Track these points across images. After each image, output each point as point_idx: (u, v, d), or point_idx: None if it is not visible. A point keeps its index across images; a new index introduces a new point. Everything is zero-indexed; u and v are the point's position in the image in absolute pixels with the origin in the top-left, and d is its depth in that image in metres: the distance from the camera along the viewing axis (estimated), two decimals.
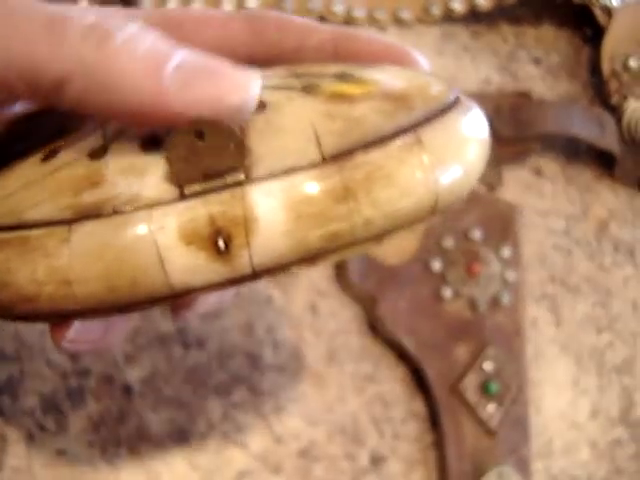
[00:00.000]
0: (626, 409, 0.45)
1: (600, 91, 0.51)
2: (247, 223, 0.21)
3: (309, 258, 0.22)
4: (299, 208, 0.21)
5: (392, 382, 0.43)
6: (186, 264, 0.21)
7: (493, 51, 0.51)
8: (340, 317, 0.44)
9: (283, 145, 0.22)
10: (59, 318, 0.23)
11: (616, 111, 0.50)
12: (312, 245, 0.21)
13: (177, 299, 0.22)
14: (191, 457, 0.40)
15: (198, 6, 0.27)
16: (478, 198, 0.46)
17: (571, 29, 0.53)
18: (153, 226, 0.21)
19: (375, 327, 0.43)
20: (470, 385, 0.42)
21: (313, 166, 0.21)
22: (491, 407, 0.42)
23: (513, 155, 0.49)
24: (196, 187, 0.21)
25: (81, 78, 0.21)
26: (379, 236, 0.23)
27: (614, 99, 0.50)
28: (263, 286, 0.43)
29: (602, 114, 0.49)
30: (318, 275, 0.44)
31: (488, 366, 0.43)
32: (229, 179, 0.21)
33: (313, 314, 0.43)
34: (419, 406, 0.43)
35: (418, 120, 0.23)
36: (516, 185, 0.49)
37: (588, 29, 0.53)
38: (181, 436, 0.40)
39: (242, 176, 0.21)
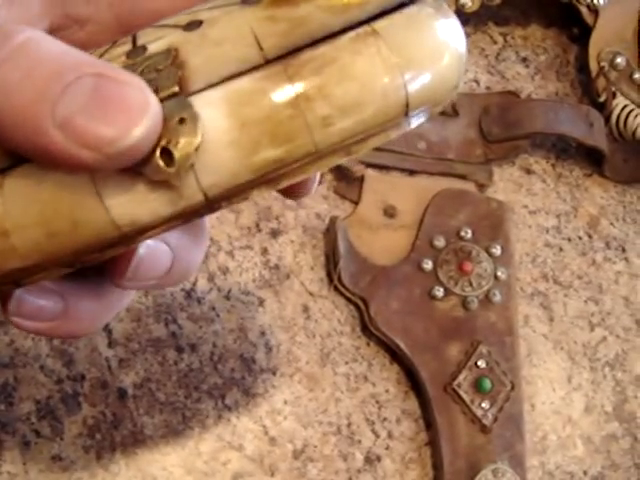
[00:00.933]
0: (620, 404, 0.45)
1: (588, 89, 0.52)
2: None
3: (267, 175, 0.20)
4: (243, 113, 0.19)
5: (386, 382, 0.43)
6: (126, 193, 0.19)
7: (481, 52, 0.52)
8: (333, 318, 0.44)
9: (221, 54, 0.20)
10: (5, 281, 0.21)
11: (604, 108, 0.50)
12: (266, 157, 0.19)
13: (129, 242, 0.20)
14: (186, 460, 0.40)
15: None
16: (469, 197, 0.47)
17: (558, 28, 0.54)
18: None
19: (368, 328, 0.44)
20: (463, 383, 0.42)
21: (255, 69, 0.19)
22: (485, 405, 0.42)
23: (503, 154, 0.49)
24: None
25: None
26: (346, 143, 0.20)
27: (602, 97, 0.50)
28: (255, 289, 0.43)
29: (590, 112, 0.49)
30: (310, 277, 0.44)
31: (481, 364, 0.43)
32: (161, 95, 0.19)
33: (306, 316, 0.44)
34: (413, 405, 0.43)
35: (372, 13, 0.20)
36: (506, 184, 0.49)
37: (575, 28, 0.53)
38: (176, 439, 0.40)
39: (176, 88, 0.19)
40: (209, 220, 0.28)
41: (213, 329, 0.42)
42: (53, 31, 0.24)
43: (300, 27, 0.20)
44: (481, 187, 0.48)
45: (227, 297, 0.43)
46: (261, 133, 0.19)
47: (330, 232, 0.45)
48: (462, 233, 0.45)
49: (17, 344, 0.40)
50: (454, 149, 0.48)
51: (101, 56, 0.21)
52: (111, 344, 0.41)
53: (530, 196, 0.49)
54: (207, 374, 0.41)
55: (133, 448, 0.40)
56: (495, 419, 0.42)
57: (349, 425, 0.42)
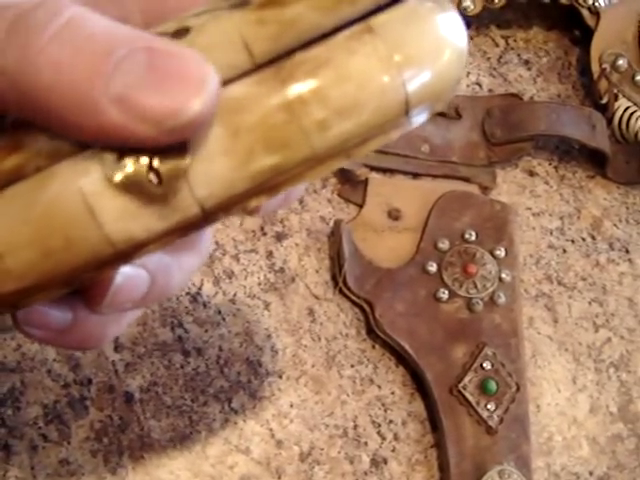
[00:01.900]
0: (625, 404, 0.45)
1: (590, 91, 0.52)
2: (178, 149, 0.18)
3: (265, 183, 0.19)
4: (235, 121, 0.18)
5: (391, 384, 0.43)
6: (119, 209, 0.18)
7: (483, 54, 0.52)
8: (338, 321, 0.44)
9: (211, 62, 0.19)
10: (2, 304, 0.21)
11: (606, 110, 0.51)
12: (261, 164, 0.19)
13: (126, 259, 0.19)
14: (193, 464, 0.40)
15: None
16: (472, 199, 0.47)
17: (560, 31, 0.54)
18: (76, 173, 0.18)
19: (373, 330, 0.44)
20: (469, 385, 0.43)
21: (246, 74, 0.19)
22: (491, 406, 0.42)
23: (506, 156, 0.49)
24: None
25: (6, 88, 0.18)
26: (345, 147, 0.19)
27: (604, 99, 0.50)
28: (260, 292, 0.44)
29: (592, 114, 0.49)
30: (315, 280, 0.44)
31: (486, 366, 0.43)
32: None
33: (311, 319, 0.44)
34: (419, 407, 0.43)
35: (366, 10, 0.19)
36: (510, 186, 0.49)
37: (577, 30, 0.54)
38: (183, 443, 0.40)
39: None
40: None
41: (219, 333, 0.42)
42: None
43: (291, 28, 0.19)
44: (484, 189, 0.49)
45: (233, 301, 0.43)
46: (255, 140, 0.18)
47: (335, 235, 0.45)
48: (466, 235, 0.45)
49: (24, 349, 0.40)
50: (457, 152, 0.49)
51: None
52: (117, 348, 0.41)
53: (533, 198, 0.49)
54: (213, 378, 0.41)
55: (140, 452, 0.40)
56: (501, 420, 0.42)
57: (355, 428, 0.42)
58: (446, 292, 0.44)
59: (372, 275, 0.44)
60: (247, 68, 0.19)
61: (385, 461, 0.42)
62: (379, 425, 0.43)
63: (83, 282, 0.20)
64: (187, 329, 0.42)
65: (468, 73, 0.51)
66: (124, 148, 0.18)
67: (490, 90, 0.51)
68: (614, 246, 0.49)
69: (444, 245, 0.45)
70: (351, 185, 0.47)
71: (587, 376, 0.46)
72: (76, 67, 0.17)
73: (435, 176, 0.48)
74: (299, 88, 0.18)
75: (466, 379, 0.43)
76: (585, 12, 0.52)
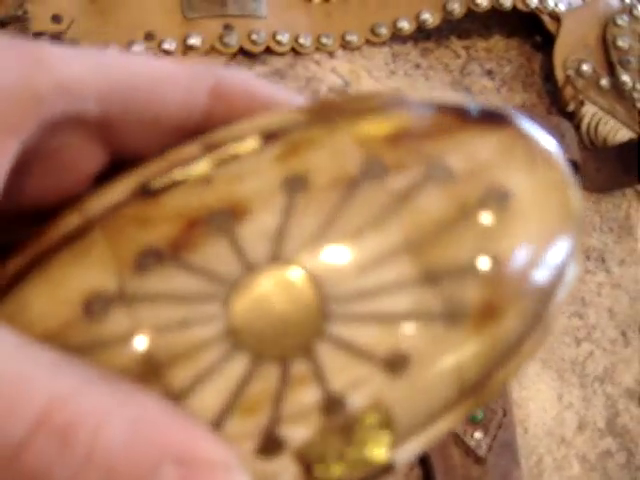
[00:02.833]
0: (612, 418, 0.45)
1: (556, 98, 0.51)
2: None
3: None
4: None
5: None
6: None
7: (445, 67, 0.51)
8: None
9: (426, 401, 0.20)
10: None
11: (574, 117, 0.50)
12: None
13: None
14: None
15: (154, 61, 0.22)
16: None
17: (521, 38, 0.53)
18: None
19: None
20: None
21: (451, 405, 0.20)
22: (478, 435, 0.41)
23: None
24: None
25: None
26: None
27: (571, 106, 0.50)
28: None
29: (561, 122, 0.48)
30: None
31: None
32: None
33: None
34: None
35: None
36: None
37: (538, 36, 0.53)
38: None
39: (385, 457, 0.20)
40: None
41: None
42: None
43: (499, 349, 0.20)
44: None
45: None
46: None
47: None
48: None
49: None
50: None
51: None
52: None
53: None
54: None
55: None
56: (489, 448, 0.41)
57: None
58: None
59: None
60: (453, 399, 0.20)
61: None
62: None
63: None
64: None
65: (431, 87, 0.50)
66: None
67: None
68: (590, 256, 0.48)
69: None
70: None
71: (572, 392, 0.45)
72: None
73: None
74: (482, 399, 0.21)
75: None
76: (546, 18, 0.51)
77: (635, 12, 0.51)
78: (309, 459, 0.19)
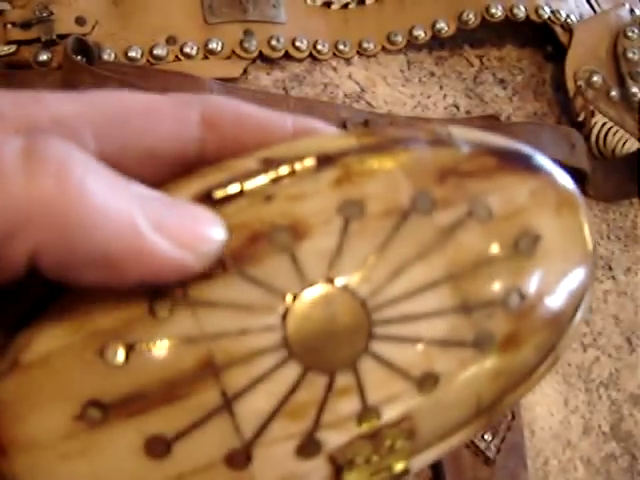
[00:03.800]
0: (617, 423, 0.46)
1: (566, 108, 0.52)
2: None
3: None
4: None
5: None
6: None
7: (458, 75, 0.52)
8: None
9: (446, 418, 0.22)
10: None
11: (583, 127, 0.51)
12: None
13: None
14: None
15: (143, 95, 0.23)
16: None
17: (533, 48, 0.54)
18: None
19: None
20: None
21: (466, 423, 0.22)
22: (487, 436, 0.42)
23: None
24: None
25: (39, 223, 0.17)
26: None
27: (581, 116, 0.51)
28: None
29: (571, 132, 0.49)
30: None
31: None
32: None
33: None
34: None
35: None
36: None
37: (550, 47, 0.54)
38: None
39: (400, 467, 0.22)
40: None
41: None
42: None
43: (514, 375, 0.23)
44: None
45: None
46: None
47: None
48: None
49: None
50: None
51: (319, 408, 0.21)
52: None
53: None
54: None
55: None
56: (498, 450, 0.42)
57: None
58: None
59: None
60: (469, 418, 0.22)
61: None
62: None
63: None
64: None
65: (445, 95, 0.51)
66: None
67: (467, 112, 0.51)
68: (597, 264, 0.49)
69: None
70: None
71: (578, 397, 0.46)
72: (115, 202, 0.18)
73: None
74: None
75: None
76: (558, 29, 0.52)
77: None
78: (340, 462, 0.21)
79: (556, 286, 0.23)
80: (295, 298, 0.21)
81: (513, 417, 0.43)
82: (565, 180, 0.25)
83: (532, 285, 0.23)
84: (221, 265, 0.20)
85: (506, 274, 0.22)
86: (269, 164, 0.22)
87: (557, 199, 0.24)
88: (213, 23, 0.47)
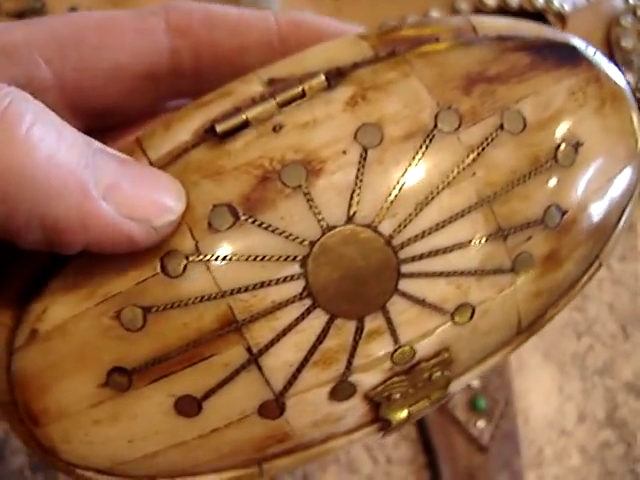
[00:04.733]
0: (611, 410, 0.46)
1: None
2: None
3: None
4: None
5: None
6: None
7: None
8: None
9: (486, 343, 0.22)
10: None
11: None
12: None
13: None
14: None
15: (98, 12, 0.21)
16: None
17: None
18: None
19: None
20: (459, 403, 0.42)
21: (503, 345, 0.22)
22: (481, 423, 0.42)
23: None
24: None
25: None
26: None
27: None
28: None
29: None
30: None
31: (474, 382, 0.43)
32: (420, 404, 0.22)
33: None
34: (410, 428, 0.43)
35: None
36: None
37: None
38: None
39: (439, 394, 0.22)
40: None
41: None
42: None
43: (556, 291, 0.22)
44: None
45: None
46: None
47: None
48: None
49: None
50: None
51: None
52: None
53: None
54: None
55: None
56: (492, 437, 0.42)
57: (347, 452, 0.42)
58: None
59: None
60: (510, 336, 0.22)
61: None
62: (371, 448, 0.42)
63: None
64: None
65: None
66: None
67: None
68: None
69: None
70: None
71: (573, 385, 0.46)
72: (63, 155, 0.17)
73: None
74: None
75: (455, 398, 0.43)
76: (551, 18, 0.52)
77: (639, 13, 0.52)
78: (377, 400, 0.21)
79: (600, 194, 0.21)
80: (314, 243, 0.19)
81: (507, 404, 0.43)
82: (611, 71, 0.22)
83: (573, 198, 0.20)
84: (231, 215, 0.19)
85: (543, 192, 0.20)
86: (274, 85, 0.20)
87: (600, 95, 0.21)
88: None
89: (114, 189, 0.17)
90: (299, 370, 0.20)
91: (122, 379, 0.19)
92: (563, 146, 0.20)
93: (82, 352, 0.19)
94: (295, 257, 0.19)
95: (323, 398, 0.20)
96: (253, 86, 0.20)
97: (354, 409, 0.21)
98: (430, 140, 0.20)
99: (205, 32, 0.21)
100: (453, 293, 0.20)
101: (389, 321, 0.20)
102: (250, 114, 0.20)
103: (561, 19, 0.52)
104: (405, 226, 0.19)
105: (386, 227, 0.19)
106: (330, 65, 0.20)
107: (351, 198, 0.19)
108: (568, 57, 0.21)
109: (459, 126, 0.20)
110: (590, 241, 0.21)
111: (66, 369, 0.20)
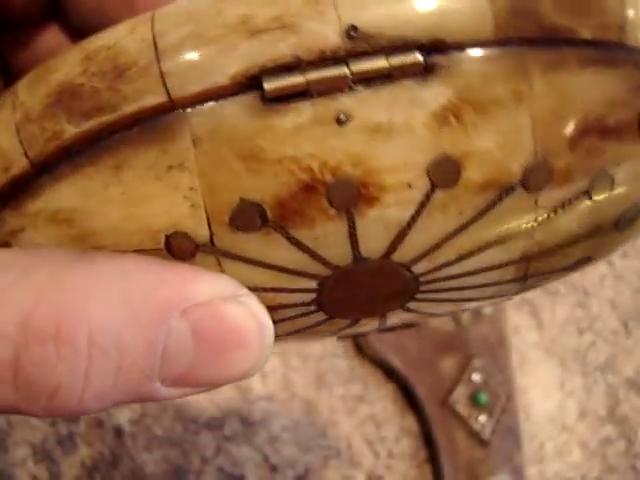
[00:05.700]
0: (613, 407, 0.46)
1: None
2: None
3: None
4: None
5: (383, 401, 0.43)
6: None
7: None
8: (326, 340, 0.44)
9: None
10: None
11: None
12: None
13: None
14: None
15: None
16: None
17: None
18: None
19: (361, 348, 0.43)
20: (460, 398, 0.43)
21: None
22: (482, 418, 0.42)
23: None
24: None
25: None
26: None
27: None
28: None
29: None
30: None
31: (476, 377, 0.43)
32: None
33: None
34: (411, 423, 0.43)
35: None
36: None
37: None
38: (177, 474, 0.40)
39: None
40: None
41: None
42: None
43: None
44: None
45: None
46: None
47: None
48: None
49: None
50: None
51: None
52: None
53: None
54: (203, 406, 0.41)
55: None
56: (493, 432, 0.42)
57: (349, 447, 0.42)
58: None
59: None
60: None
61: (380, 478, 0.42)
62: (372, 443, 0.42)
63: None
64: None
65: None
66: None
67: None
68: None
69: None
70: None
71: (574, 381, 0.46)
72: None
73: None
74: None
75: (456, 392, 0.43)
76: None
77: None
78: None
79: None
80: (340, 268, 0.17)
81: (508, 399, 0.43)
82: None
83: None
84: (260, 218, 0.15)
85: (585, 249, 0.18)
86: (355, 41, 0.14)
87: None
88: None
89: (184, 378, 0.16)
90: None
91: None
92: (626, 216, 0.17)
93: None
94: (315, 276, 0.17)
95: None
96: (329, 30, 0.14)
97: None
98: (507, 196, 0.16)
99: None
100: (456, 309, 0.20)
101: (383, 320, 0.20)
102: (313, 77, 0.14)
103: None
104: (439, 270, 0.17)
105: (420, 268, 0.17)
106: (432, 33, 0.14)
107: (396, 237, 0.16)
108: None
109: (544, 187, 0.16)
110: None
111: None
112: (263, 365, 0.17)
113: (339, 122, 0.15)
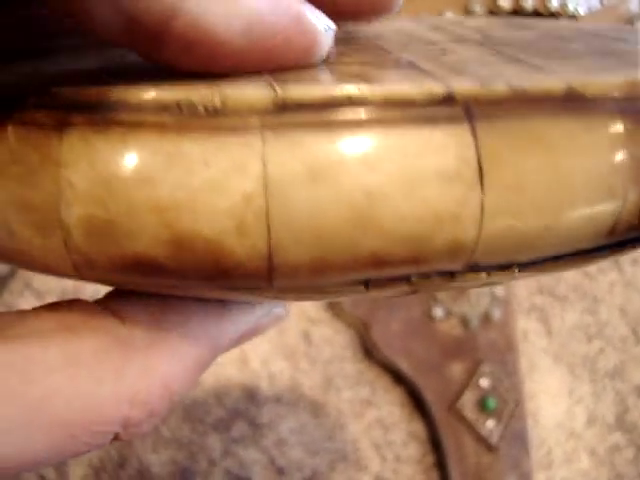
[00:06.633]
0: (621, 414, 0.46)
1: None
2: None
3: None
4: None
5: (390, 405, 0.43)
6: None
7: None
8: (334, 344, 0.44)
9: None
10: None
11: None
12: None
13: None
14: None
15: None
16: None
17: None
18: None
19: (370, 351, 0.43)
20: (468, 403, 0.42)
21: None
22: (490, 423, 0.42)
23: None
24: None
25: None
26: None
27: None
28: None
29: None
30: (309, 303, 0.44)
31: (484, 382, 0.43)
32: None
33: (307, 342, 0.43)
34: (419, 427, 0.43)
35: None
36: None
37: None
38: (183, 476, 0.40)
39: None
40: None
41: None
42: None
43: None
44: None
45: None
46: None
47: None
48: None
49: None
50: None
51: None
52: None
53: None
54: (211, 407, 0.41)
55: None
56: (501, 437, 0.42)
57: (356, 450, 0.42)
58: (441, 310, 0.44)
59: None
60: None
61: None
62: (379, 447, 0.42)
63: None
64: None
65: None
66: None
67: None
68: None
69: None
70: None
71: (583, 387, 0.46)
72: None
73: None
74: None
75: (464, 397, 0.43)
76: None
77: None
78: None
79: None
80: None
81: (516, 404, 0.43)
82: None
83: None
84: None
85: None
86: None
87: None
88: None
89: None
90: None
91: None
92: None
93: None
94: None
95: None
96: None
97: None
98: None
99: None
100: None
101: None
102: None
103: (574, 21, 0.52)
104: None
105: None
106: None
107: None
108: None
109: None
110: None
111: None
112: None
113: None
